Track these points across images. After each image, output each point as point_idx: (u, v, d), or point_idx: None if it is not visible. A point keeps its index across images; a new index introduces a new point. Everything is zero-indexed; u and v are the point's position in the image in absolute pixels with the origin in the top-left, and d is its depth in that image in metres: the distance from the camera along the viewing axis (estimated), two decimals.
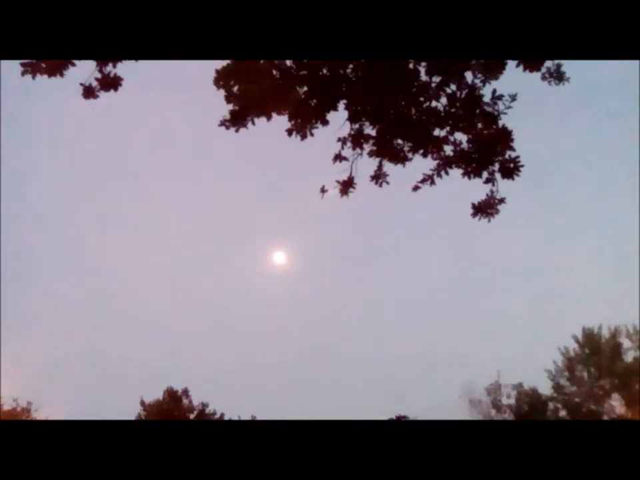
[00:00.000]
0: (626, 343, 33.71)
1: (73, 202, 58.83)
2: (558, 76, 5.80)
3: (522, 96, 5.61)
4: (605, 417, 30.81)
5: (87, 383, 38.47)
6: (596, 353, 33.77)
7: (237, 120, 5.77)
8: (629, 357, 33.35)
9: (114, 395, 37.61)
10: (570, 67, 5.69)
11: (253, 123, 5.78)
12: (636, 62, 5.33)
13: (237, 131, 5.79)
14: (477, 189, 5.82)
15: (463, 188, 5.87)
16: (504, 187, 5.78)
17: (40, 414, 29.67)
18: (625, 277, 45.13)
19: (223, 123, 5.79)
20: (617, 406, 30.49)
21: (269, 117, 5.75)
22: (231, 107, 5.74)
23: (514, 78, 5.57)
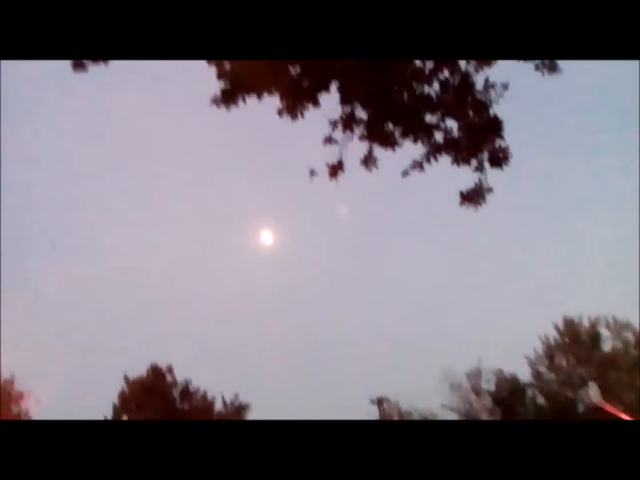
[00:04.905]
0: (605, 332, 34.34)
1: (62, 190, 57.93)
2: (551, 66, 5.79)
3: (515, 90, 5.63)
4: (580, 405, 31.44)
5: (72, 361, 38.33)
6: (575, 342, 34.35)
7: (228, 98, 5.72)
8: (607, 346, 34.01)
9: (99, 374, 37.56)
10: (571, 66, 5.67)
11: (244, 102, 5.73)
12: (636, 62, 5.32)
13: (227, 109, 5.75)
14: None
15: (452, 176, 5.89)
16: (495, 175, 5.81)
17: (23, 386, 29.77)
18: (607, 266, 45.71)
19: (214, 102, 5.73)
20: (593, 395, 31.15)
21: (260, 96, 5.70)
22: (222, 84, 5.69)
23: (508, 75, 5.59)
